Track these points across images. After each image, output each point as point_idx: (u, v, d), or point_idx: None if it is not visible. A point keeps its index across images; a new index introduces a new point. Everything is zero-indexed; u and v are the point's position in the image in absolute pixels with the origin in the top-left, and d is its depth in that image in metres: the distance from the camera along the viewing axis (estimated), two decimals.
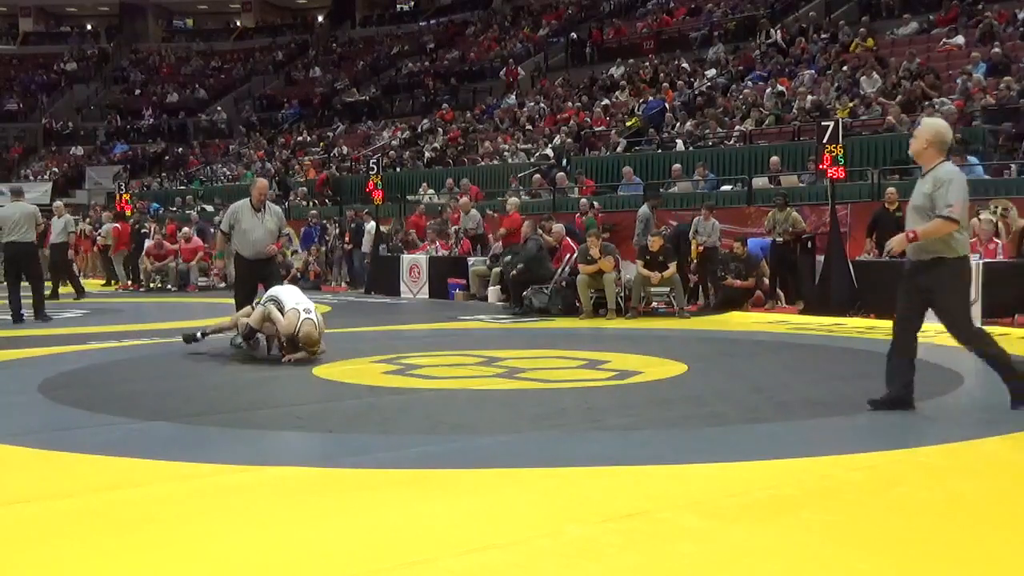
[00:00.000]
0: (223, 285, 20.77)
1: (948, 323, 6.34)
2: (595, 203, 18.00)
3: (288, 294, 9.22)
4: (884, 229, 13.63)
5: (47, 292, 15.94)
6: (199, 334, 9.68)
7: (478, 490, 4.65)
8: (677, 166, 19.22)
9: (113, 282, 22.42)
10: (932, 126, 6.37)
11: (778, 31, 25.40)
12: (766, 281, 14.39)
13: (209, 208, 25.74)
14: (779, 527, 4.00)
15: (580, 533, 3.90)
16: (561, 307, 13.56)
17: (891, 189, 14.11)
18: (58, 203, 19.19)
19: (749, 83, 23.04)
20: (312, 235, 21.56)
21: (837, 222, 13.42)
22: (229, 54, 48.44)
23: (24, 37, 50.58)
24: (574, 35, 32.77)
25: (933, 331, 11.09)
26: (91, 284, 22.85)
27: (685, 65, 26.10)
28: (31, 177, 39.08)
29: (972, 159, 15.61)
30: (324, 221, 22.29)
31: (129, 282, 21.69)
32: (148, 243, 21.44)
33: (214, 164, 36.39)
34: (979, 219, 12.62)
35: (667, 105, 23.07)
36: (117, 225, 22.21)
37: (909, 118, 17.62)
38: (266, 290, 9.66)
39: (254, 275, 10.25)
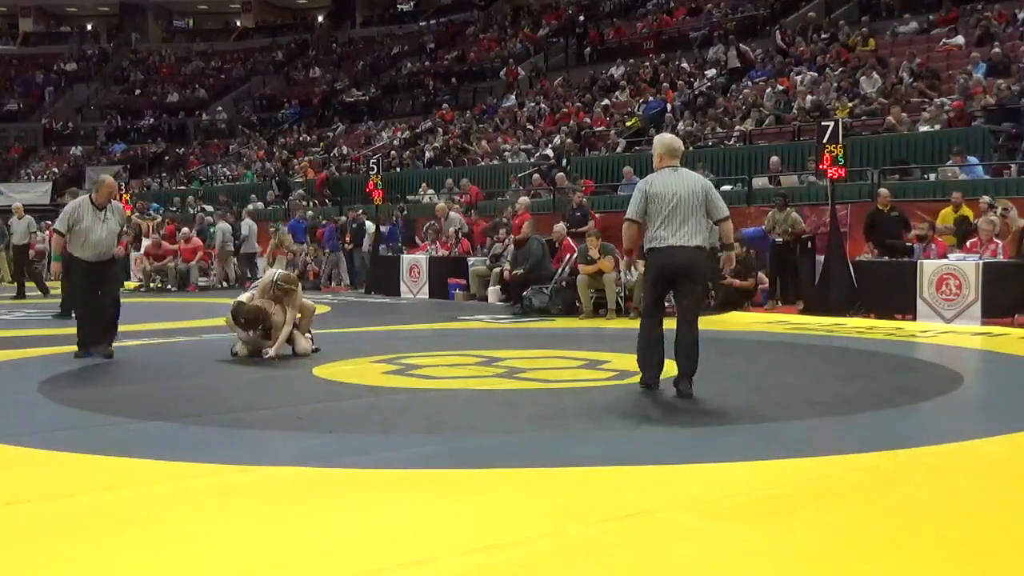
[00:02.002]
0: (224, 285, 20.77)
1: None
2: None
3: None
4: (881, 229, 13.63)
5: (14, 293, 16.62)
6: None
7: (478, 490, 4.65)
8: None
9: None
10: (657, 141, 7.27)
11: (777, 31, 25.41)
12: (765, 278, 14.39)
13: (209, 208, 25.75)
14: (779, 527, 4.00)
15: (580, 533, 3.90)
16: (561, 307, 13.55)
17: (883, 190, 14.10)
18: (17, 204, 18.98)
19: (749, 83, 23.04)
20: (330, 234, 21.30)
21: (837, 222, 13.41)
22: (229, 54, 48.42)
23: (24, 37, 50.57)
24: (582, 19, 32.82)
25: (933, 331, 11.14)
26: None
27: (685, 65, 26.10)
28: (31, 177, 39.07)
29: (972, 159, 15.62)
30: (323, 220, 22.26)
31: None
32: (146, 243, 21.41)
33: (214, 164, 36.38)
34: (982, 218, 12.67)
35: (668, 105, 23.07)
36: None
37: (910, 118, 17.64)
38: (105, 295, 9.41)
39: (95, 279, 9.40)
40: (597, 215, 17.21)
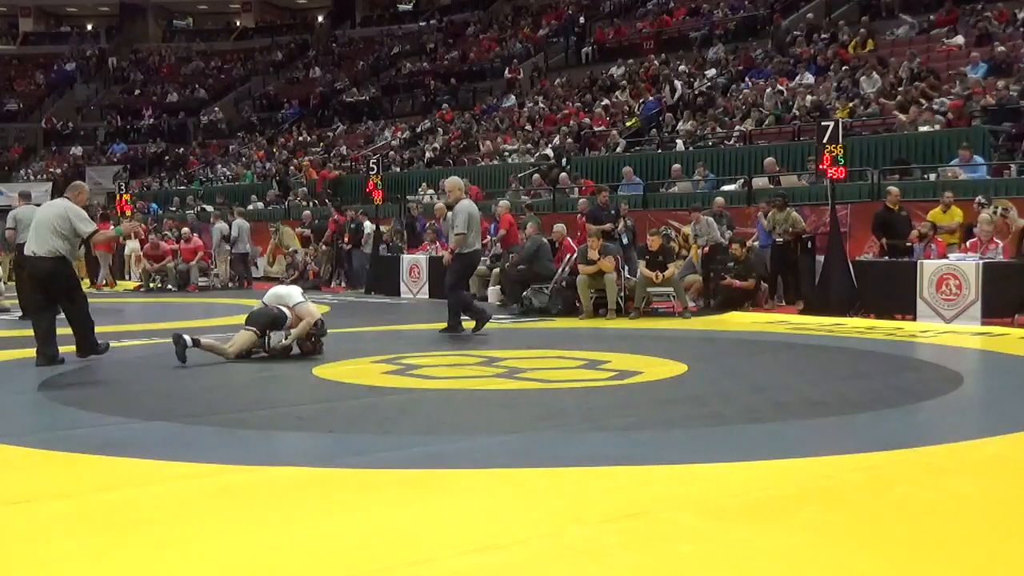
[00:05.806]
0: (218, 285, 20.75)
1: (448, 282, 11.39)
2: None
3: (288, 292, 9.56)
4: (892, 228, 13.57)
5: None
6: (190, 340, 8.85)
7: (478, 490, 4.65)
8: (677, 166, 19.22)
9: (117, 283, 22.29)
10: (451, 182, 11.85)
11: (772, 34, 25.43)
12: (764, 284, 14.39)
13: (209, 208, 25.73)
14: (779, 527, 4.00)
15: (580, 533, 3.90)
16: (561, 307, 13.54)
17: (893, 188, 14.02)
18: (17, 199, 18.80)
19: (749, 83, 23.04)
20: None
21: (837, 222, 13.40)
22: (229, 54, 48.38)
23: (24, 37, 50.54)
24: (582, 19, 32.81)
25: (933, 331, 11.14)
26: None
27: (690, 61, 26.09)
28: (31, 177, 39.04)
29: (978, 157, 15.61)
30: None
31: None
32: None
33: (214, 164, 36.37)
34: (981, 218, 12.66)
35: (667, 104, 23.07)
36: None
37: (909, 119, 17.62)
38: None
39: None
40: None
